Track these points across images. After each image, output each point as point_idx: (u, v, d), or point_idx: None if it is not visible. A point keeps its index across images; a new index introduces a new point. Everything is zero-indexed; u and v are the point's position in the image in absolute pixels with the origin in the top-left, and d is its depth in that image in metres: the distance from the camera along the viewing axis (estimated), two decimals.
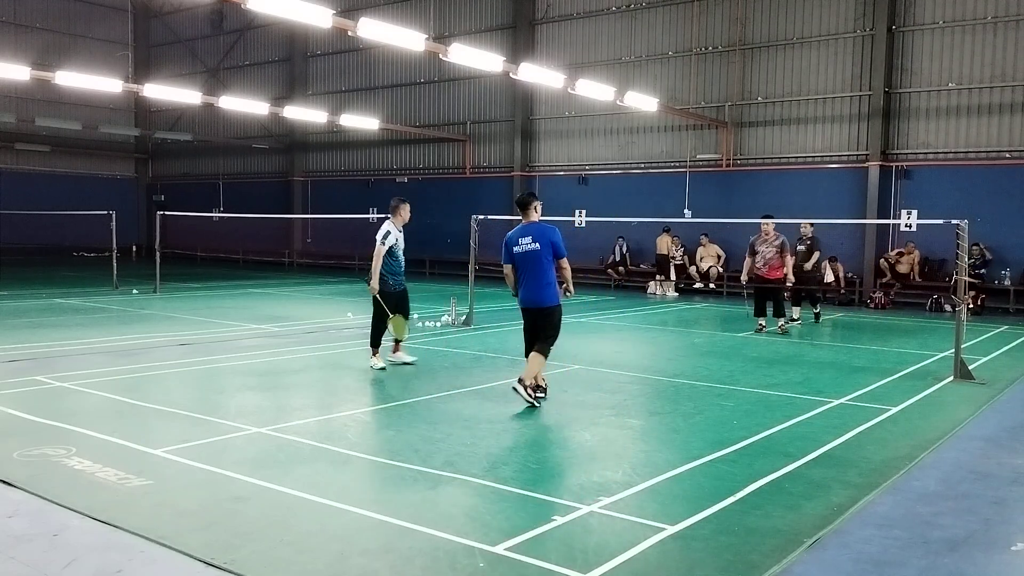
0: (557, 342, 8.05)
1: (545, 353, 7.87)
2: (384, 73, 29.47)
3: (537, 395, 7.80)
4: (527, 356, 7.99)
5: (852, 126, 20.43)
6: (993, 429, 7.35)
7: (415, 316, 14.93)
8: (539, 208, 8.14)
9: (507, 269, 8.07)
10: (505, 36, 25.92)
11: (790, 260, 13.70)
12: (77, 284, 21.27)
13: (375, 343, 9.92)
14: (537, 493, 5.25)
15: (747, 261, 13.89)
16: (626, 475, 5.71)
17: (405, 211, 10.20)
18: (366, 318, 15.12)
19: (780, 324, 13.73)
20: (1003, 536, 4.75)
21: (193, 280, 23.35)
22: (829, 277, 19.30)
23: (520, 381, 7.76)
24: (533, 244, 7.83)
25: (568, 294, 8.16)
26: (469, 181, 27.60)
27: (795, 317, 14.89)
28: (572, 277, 8.26)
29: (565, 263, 7.98)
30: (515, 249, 7.92)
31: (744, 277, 14.19)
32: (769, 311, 13.90)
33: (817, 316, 15.50)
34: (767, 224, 13.70)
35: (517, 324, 14.28)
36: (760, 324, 13.83)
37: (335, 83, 31.19)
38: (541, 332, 7.91)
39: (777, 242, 13.56)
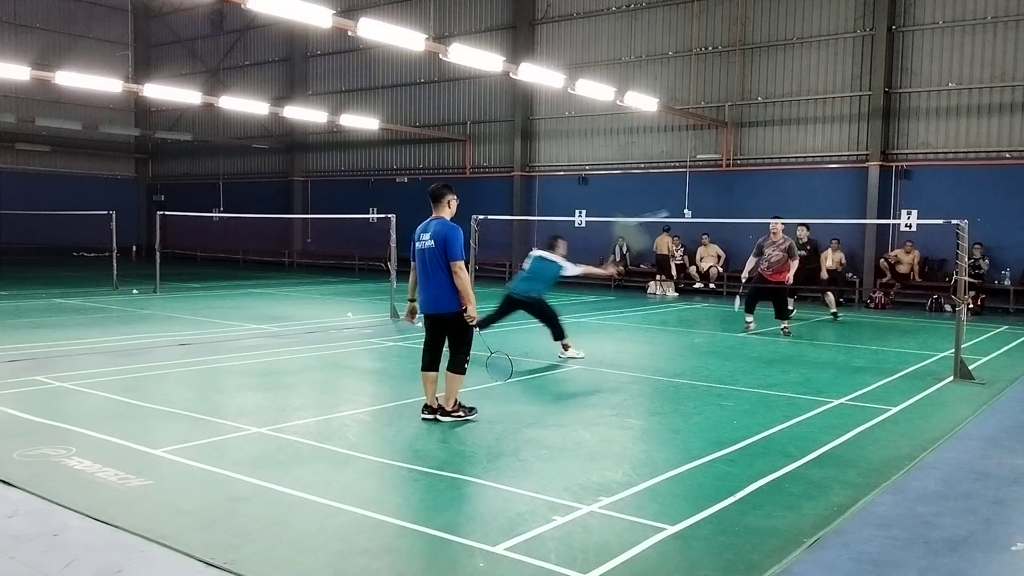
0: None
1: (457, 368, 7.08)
2: (384, 73, 29.46)
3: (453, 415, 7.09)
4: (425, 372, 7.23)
5: (852, 126, 20.42)
6: (993, 429, 7.35)
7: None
8: (453, 204, 7.20)
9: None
10: (505, 36, 25.92)
11: (795, 264, 13.49)
12: (77, 284, 21.27)
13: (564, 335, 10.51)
14: (537, 493, 5.25)
15: (751, 260, 13.75)
16: (626, 475, 5.71)
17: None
18: (368, 318, 15.21)
19: (783, 326, 13.57)
20: (1003, 536, 4.75)
21: (193, 280, 23.35)
22: (830, 264, 19.31)
23: (427, 407, 7.11)
24: (430, 241, 6.93)
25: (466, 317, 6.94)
26: (469, 181, 27.57)
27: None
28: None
29: (457, 267, 6.84)
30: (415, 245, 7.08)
31: (745, 275, 14.05)
32: (766, 310, 13.90)
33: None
34: (777, 224, 13.51)
35: (518, 324, 14.25)
36: (748, 322, 13.77)
37: (335, 83, 31.19)
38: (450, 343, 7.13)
39: (785, 245, 13.38)
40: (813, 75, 20.86)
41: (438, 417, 7.08)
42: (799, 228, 15.73)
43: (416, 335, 12.85)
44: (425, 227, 7.06)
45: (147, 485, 5.30)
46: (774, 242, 13.43)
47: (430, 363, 7.19)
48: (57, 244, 33.37)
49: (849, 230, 19.97)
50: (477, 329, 7.29)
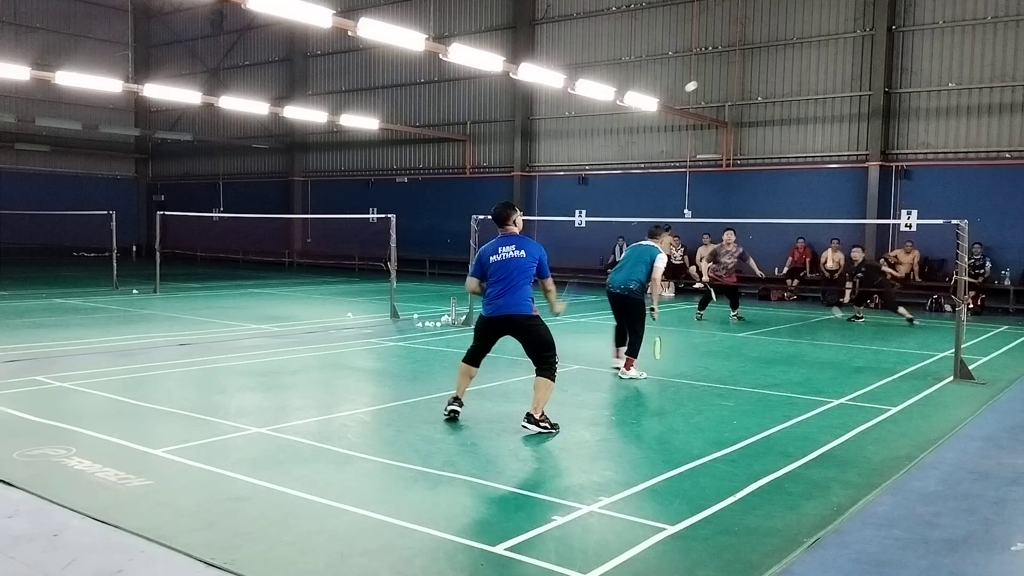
0: (559, 343, 7.71)
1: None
2: (384, 73, 29.46)
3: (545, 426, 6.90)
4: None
5: (852, 126, 20.43)
6: (993, 429, 7.35)
7: (415, 316, 14.96)
8: (519, 221, 7.41)
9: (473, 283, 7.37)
10: (505, 36, 25.92)
11: (753, 263, 15.68)
12: (77, 284, 21.28)
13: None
14: (537, 493, 5.25)
15: (709, 266, 15.71)
16: (626, 475, 5.71)
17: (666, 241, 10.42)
18: (368, 318, 15.21)
19: (737, 314, 15.63)
20: (1003, 536, 4.75)
21: (193, 280, 23.35)
22: (830, 264, 19.34)
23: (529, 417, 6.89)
24: (519, 252, 7.17)
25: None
26: (469, 181, 27.60)
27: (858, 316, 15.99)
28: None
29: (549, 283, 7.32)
30: (492, 258, 7.21)
31: (706, 278, 16.02)
32: (720, 304, 16.01)
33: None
34: (730, 235, 15.45)
35: None
36: (699, 314, 15.66)
37: (335, 83, 31.19)
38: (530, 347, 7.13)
39: (737, 252, 15.33)
40: (813, 75, 20.86)
41: (525, 424, 6.84)
42: (853, 249, 16.78)
43: (417, 335, 12.87)
44: (505, 241, 7.25)
45: (147, 485, 5.30)
46: (728, 251, 15.36)
47: (474, 359, 7.35)
48: (57, 244, 33.37)
49: (849, 230, 19.97)
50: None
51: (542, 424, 6.82)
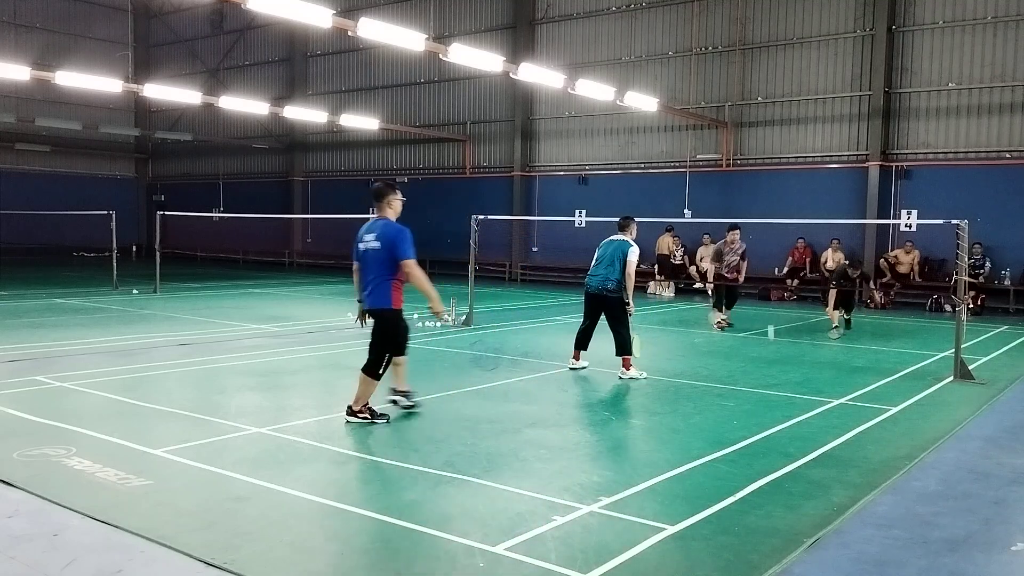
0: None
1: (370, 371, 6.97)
2: (384, 73, 29.46)
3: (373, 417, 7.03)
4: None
5: (852, 126, 20.42)
6: (993, 429, 7.35)
7: (415, 316, 14.95)
8: (396, 204, 7.12)
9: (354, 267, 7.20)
10: (505, 36, 25.91)
11: (744, 265, 14.98)
12: (77, 284, 21.27)
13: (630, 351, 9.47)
14: (537, 493, 5.25)
15: (713, 265, 14.94)
16: (626, 475, 5.71)
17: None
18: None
19: (724, 318, 14.61)
20: (1003, 536, 4.75)
21: (193, 280, 23.35)
22: (830, 265, 19.32)
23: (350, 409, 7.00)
24: (375, 243, 6.96)
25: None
26: (469, 181, 27.60)
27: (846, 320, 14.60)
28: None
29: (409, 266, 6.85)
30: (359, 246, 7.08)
31: (711, 276, 15.21)
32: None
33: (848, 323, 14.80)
34: (736, 234, 14.72)
35: (518, 324, 14.28)
36: (722, 320, 14.42)
37: (335, 83, 31.19)
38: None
39: (741, 250, 14.73)
40: (813, 75, 20.86)
41: (346, 417, 7.01)
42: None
43: (417, 335, 12.84)
44: (370, 227, 7.04)
45: (147, 485, 5.30)
46: (732, 248, 14.77)
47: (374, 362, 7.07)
48: (57, 244, 33.36)
49: (849, 230, 19.98)
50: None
51: (361, 416, 6.96)
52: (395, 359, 7.20)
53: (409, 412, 7.47)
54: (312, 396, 8.54)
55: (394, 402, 7.44)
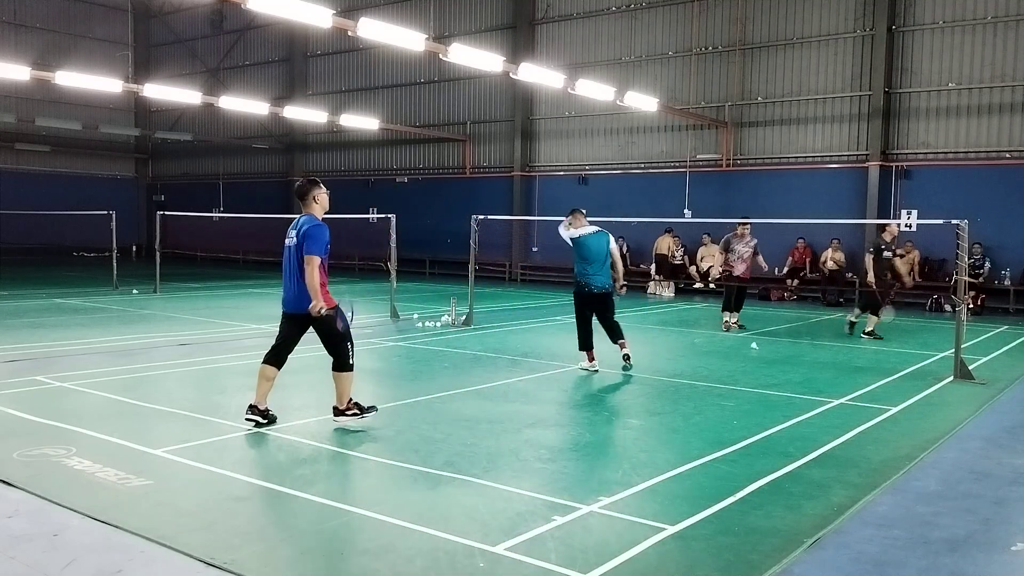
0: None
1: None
2: (384, 73, 29.46)
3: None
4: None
5: (852, 126, 20.43)
6: (993, 429, 7.35)
7: (415, 316, 14.96)
8: (322, 199, 7.17)
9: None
10: (505, 36, 25.92)
11: (762, 259, 14.40)
12: (77, 284, 21.27)
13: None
14: (537, 493, 5.25)
15: (720, 256, 14.29)
16: (626, 475, 5.70)
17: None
18: (368, 318, 15.19)
19: (735, 320, 14.20)
20: (1003, 536, 4.75)
21: (193, 280, 23.35)
22: (830, 264, 19.30)
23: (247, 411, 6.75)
24: (294, 239, 7.00)
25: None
26: (469, 181, 27.60)
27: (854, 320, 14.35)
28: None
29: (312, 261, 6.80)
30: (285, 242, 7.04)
31: (716, 271, 14.58)
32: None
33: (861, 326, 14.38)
34: (746, 228, 14.27)
35: (518, 324, 14.25)
36: (734, 322, 14.12)
37: (335, 83, 31.19)
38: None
39: (752, 243, 14.16)
40: (813, 75, 20.86)
41: (334, 419, 6.89)
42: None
43: (417, 335, 12.87)
44: (293, 225, 7.04)
45: (147, 485, 5.30)
46: (744, 241, 14.18)
47: (274, 359, 6.95)
48: (57, 244, 33.35)
49: (849, 230, 19.97)
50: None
51: (350, 414, 6.85)
52: (261, 369, 6.91)
53: (409, 410, 7.46)
54: (312, 396, 8.53)
55: (251, 419, 6.81)
